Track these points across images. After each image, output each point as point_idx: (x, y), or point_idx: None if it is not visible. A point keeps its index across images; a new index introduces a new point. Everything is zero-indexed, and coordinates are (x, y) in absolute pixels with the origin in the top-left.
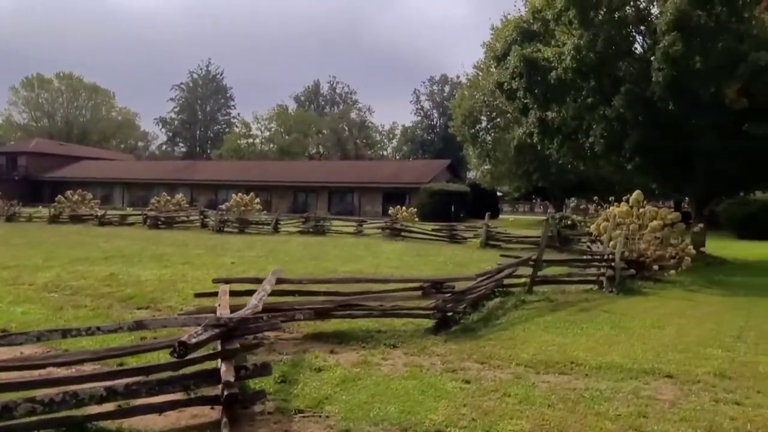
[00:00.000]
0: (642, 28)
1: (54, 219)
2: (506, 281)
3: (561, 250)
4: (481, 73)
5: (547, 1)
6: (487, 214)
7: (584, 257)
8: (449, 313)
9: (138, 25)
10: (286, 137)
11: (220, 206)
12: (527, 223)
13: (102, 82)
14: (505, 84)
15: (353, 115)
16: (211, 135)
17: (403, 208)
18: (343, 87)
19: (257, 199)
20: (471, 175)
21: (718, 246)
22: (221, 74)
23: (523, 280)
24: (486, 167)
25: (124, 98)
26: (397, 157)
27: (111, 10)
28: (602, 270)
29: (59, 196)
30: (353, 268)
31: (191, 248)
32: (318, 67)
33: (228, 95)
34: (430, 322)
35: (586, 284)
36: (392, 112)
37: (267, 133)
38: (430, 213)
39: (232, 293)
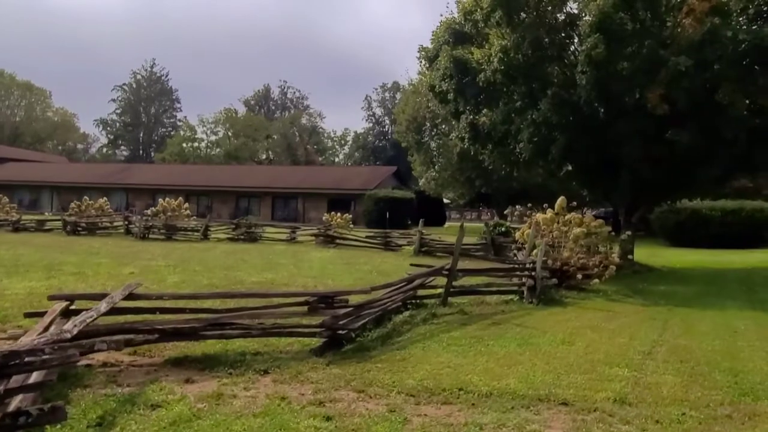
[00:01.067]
0: (571, 32)
1: None
2: (421, 292)
3: (489, 259)
4: (424, 78)
5: (475, 1)
6: (420, 221)
7: (504, 266)
8: (341, 331)
9: (76, 24)
10: (233, 141)
11: (145, 211)
12: (470, 230)
13: (37, 82)
14: (437, 86)
15: (304, 120)
16: (156, 138)
17: (338, 214)
18: (294, 92)
19: (186, 204)
20: (422, 182)
21: (649, 253)
22: (166, 76)
23: (439, 291)
24: (431, 174)
25: (62, 99)
26: (349, 164)
27: (47, 8)
28: (524, 279)
29: None
30: (265, 278)
31: (97, 257)
32: (269, 73)
33: (174, 98)
34: (318, 342)
35: (508, 294)
36: (344, 119)
37: (213, 137)
38: (375, 220)
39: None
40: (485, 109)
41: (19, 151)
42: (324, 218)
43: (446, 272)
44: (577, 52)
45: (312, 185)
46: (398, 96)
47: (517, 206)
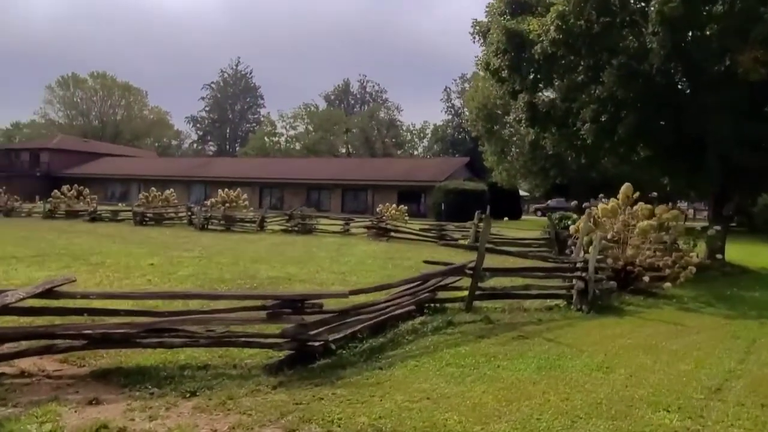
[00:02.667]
0: None
1: (49, 214)
2: (443, 294)
3: (529, 257)
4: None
5: None
6: (477, 213)
7: (544, 265)
8: (313, 342)
9: (170, 24)
10: (312, 136)
11: (204, 202)
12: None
13: (135, 82)
14: (491, 63)
15: (382, 114)
16: (241, 133)
17: (393, 206)
18: (373, 86)
19: (244, 195)
20: (494, 173)
21: (746, 252)
22: (250, 73)
23: (464, 294)
24: (504, 164)
25: (157, 98)
26: (428, 157)
27: (143, 10)
28: (574, 282)
29: (55, 191)
30: (284, 273)
31: (139, 246)
32: (349, 68)
33: (257, 94)
34: (280, 354)
35: (553, 299)
36: (424, 111)
37: (292, 132)
38: (445, 212)
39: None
40: (543, 86)
41: (113, 146)
42: (378, 209)
43: (470, 271)
44: (649, 12)
45: (381, 177)
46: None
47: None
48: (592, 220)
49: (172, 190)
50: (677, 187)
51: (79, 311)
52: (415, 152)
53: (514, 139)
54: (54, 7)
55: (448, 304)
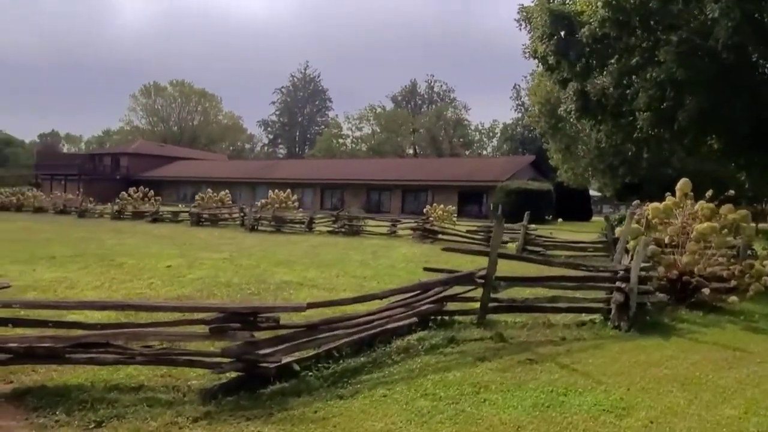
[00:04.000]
0: None
1: (117, 215)
2: (453, 306)
3: (552, 264)
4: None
5: None
6: (526, 213)
7: (575, 274)
8: (265, 364)
9: (244, 31)
10: (378, 136)
11: (254, 203)
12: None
13: (210, 88)
14: (537, 50)
15: (449, 113)
16: (310, 136)
17: (440, 206)
18: (441, 85)
19: (294, 197)
20: (559, 172)
21: None
22: (318, 77)
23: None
24: (569, 162)
25: (231, 103)
26: (496, 156)
27: (219, 19)
28: (614, 294)
29: (122, 193)
30: (301, 277)
31: (177, 247)
32: (417, 69)
33: (325, 97)
34: (225, 377)
35: (588, 313)
36: (494, 110)
37: (358, 133)
38: (507, 213)
39: None
40: (595, 72)
41: (186, 150)
42: (425, 210)
43: (481, 280)
44: None
45: (442, 177)
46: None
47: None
48: (644, 221)
49: (227, 191)
50: (757, 184)
51: (3, 321)
52: (484, 152)
53: (581, 135)
54: (140, 21)
55: (458, 317)
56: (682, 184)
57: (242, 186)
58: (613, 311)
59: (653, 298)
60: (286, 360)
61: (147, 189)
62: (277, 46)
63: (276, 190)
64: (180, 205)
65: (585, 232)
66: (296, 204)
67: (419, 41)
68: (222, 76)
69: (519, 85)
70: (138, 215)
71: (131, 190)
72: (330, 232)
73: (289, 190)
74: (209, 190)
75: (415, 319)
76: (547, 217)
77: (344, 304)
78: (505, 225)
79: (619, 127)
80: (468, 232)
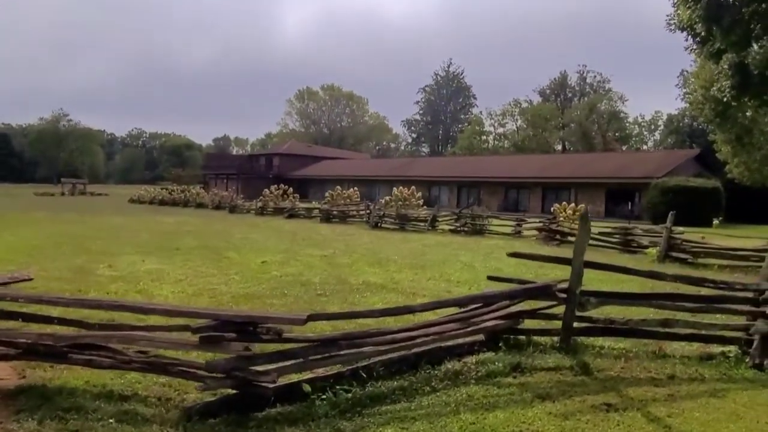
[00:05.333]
0: None
1: (260, 211)
2: (530, 323)
3: (694, 280)
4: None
5: None
6: (670, 214)
7: (697, 293)
8: (263, 382)
9: (390, 33)
10: (523, 132)
11: (379, 200)
12: None
13: (358, 90)
14: (682, 18)
15: (603, 105)
16: (453, 134)
17: (571, 205)
18: (594, 76)
19: (419, 194)
20: (728, 167)
21: None
22: (462, 73)
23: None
24: (743, 156)
25: (377, 103)
26: (651, 150)
27: (368, 23)
28: (757, 321)
29: (265, 190)
30: (382, 279)
31: (293, 243)
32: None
33: (469, 94)
34: (228, 392)
35: (722, 344)
36: (656, 101)
37: (501, 129)
38: (663, 214)
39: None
40: (758, 40)
41: (331, 149)
42: (552, 209)
43: (563, 294)
44: None
45: (587, 174)
46: None
47: None
48: None
49: (355, 188)
50: None
51: (14, 315)
52: (644, 147)
53: (753, 123)
54: (297, 31)
55: (538, 338)
56: None
57: (381, 183)
58: (755, 344)
59: None
60: (284, 380)
61: (287, 186)
62: (424, 44)
63: (400, 187)
64: (314, 202)
65: (751, 238)
66: (420, 201)
67: (568, 32)
68: (370, 77)
69: (687, 71)
70: (278, 211)
71: (272, 187)
72: (451, 231)
73: (413, 187)
74: (338, 187)
75: (480, 336)
76: (715, 220)
77: (362, 317)
78: (650, 227)
79: None
80: (600, 234)
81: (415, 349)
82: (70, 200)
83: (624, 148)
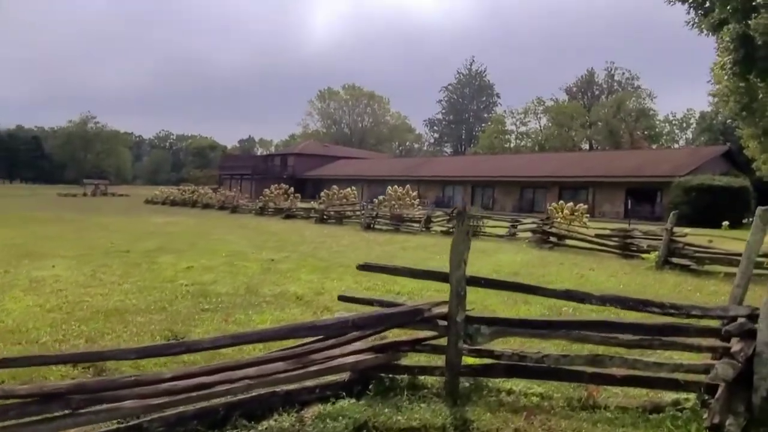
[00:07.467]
0: None
1: (260, 211)
2: (413, 358)
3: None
4: None
5: None
6: (672, 214)
7: (636, 321)
8: None
9: (413, 31)
10: (546, 131)
11: (372, 200)
12: None
13: (380, 90)
14: None
15: (631, 103)
16: (476, 133)
17: (568, 204)
18: (623, 73)
19: (414, 193)
20: (756, 163)
21: None
22: (484, 71)
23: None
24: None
25: (399, 103)
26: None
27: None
28: (718, 363)
29: (265, 190)
30: (308, 290)
31: (252, 247)
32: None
33: (493, 92)
34: None
35: (676, 390)
36: (689, 98)
37: (523, 128)
38: (686, 215)
39: None
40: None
41: (347, 149)
42: (549, 208)
43: (443, 321)
44: None
45: (605, 173)
46: None
47: None
48: None
49: (353, 188)
50: None
51: None
52: (675, 145)
53: None
54: (324, 31)
55: (427, 378)
56: None
57: (393, 183)
58: (718, 393)
59: None
60: None
61: (288, 186)
62: (450, 43)
63: (394, 186)
64: (312, 202)
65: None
66: (416, 201)
67: (597, 30)
68: (394, 76)
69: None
70: (279, 211)
71: (273, 187)
72: (443, 233)
73: (408, 186)
74: (335, 187)
75: (341, 377)
76: (744, 221)
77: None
78: (676, 229)
79: None
80: (598, 236)
81: (228, 398)
82: (89, 201)
83: (654, 147)
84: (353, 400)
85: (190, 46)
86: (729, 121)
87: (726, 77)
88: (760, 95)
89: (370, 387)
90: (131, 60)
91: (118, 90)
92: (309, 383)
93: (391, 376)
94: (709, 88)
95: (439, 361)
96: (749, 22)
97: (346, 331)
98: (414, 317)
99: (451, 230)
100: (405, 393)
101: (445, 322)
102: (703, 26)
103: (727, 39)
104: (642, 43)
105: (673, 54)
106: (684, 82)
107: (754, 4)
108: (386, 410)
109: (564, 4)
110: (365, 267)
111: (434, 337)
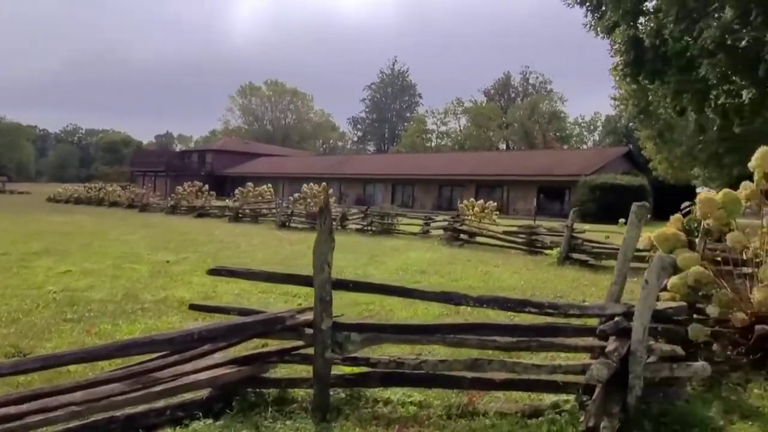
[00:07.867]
0: None
1: (171, 210)
2: (285, 370)
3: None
4: None
5: None
6: (572, 211)
7: (512, 323)
8: None
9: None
10: (465, 131)
11: (288, 198)
12: None
13: (306, 87)
14: None
15: (544, 106)
16: (398, 132)
17: (478, 202)
18: (536, 77)
19: (330, 190)
20: (652, 164)
21: None
22: (407, 72)
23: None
24: (665, 152)
25: (323, 101)
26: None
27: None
28: (594, 363)
29: (177, 188)
30: (195, 294)
31: (147, 248)
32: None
33: (414, 92)
34: None
35: (555, 392)
36: (598, 102)
37: (443, 128)
38: (592, 213)
39: None
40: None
41: (268, 147)
42: (460, 206)
43: (309, 329)
44: None
45: (519, 171)
46: None
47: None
48: (680, 225)
49: (269, 185)
50: None
51: None
52: (584, 146)
53: (673, 117)
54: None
55: (297, 391)
56: (761, 156)
57: (314, 181)
58: (595, 395)
59: (682, 371)
60: None
61: (201, 184)
62: (374, 42)
63: (310, 184)
64: (227, 201)
65: None
66: (334, 199)
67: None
68: (318, 74)
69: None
70: (191, 210)
71: (186, 184)
72: (358, 230)
73: (324, 184)
74: (250, 184)
75: (199, 394)
76: (621, 219)
77: None
78: (576, 225)
79: (688, 85)
80: (506, 233)
81: (47, 429)
82: None
83: (565, 147)
84: (210, 421)
85: (104, 36)
86: (630, 124)
87: (618, 78)
88: (650, 96)
89: (234, 404)
90: (39, 47)
91: (22, 80)
92: (159, 404)
93: (258, 390)
94: (613, 92)
95: (309, 372)
96: (639, 24)
97: (192, 345)
98: (273, 326)
99: (365, 228)
100: (270, 409)
101: (311, 330)
102: (598, 29)
103: (619, 41)
104: (556, 46)
105: (582, 57)
106: (592, 85)
107: (642, 8)
108: (243, 431)
109: (484, 7)
110: (215, 272)
111: (303, 347)
